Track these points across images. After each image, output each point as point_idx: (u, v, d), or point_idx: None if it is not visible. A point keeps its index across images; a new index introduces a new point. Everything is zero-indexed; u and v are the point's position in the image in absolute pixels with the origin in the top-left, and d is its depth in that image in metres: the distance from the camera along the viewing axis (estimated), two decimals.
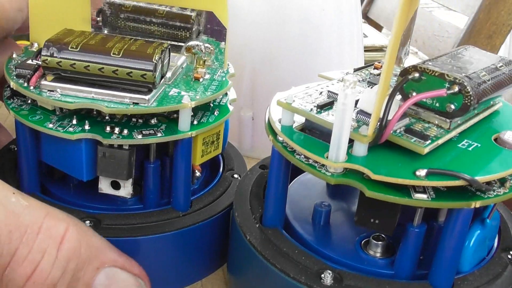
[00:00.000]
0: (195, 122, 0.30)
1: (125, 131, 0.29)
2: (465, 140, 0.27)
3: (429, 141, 0.25)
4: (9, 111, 0.30)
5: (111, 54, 0.28)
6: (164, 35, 0.35)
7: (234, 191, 0.34)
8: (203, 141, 0.31)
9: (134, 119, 0.30)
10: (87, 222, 0.30)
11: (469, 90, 0.25)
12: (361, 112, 0.26)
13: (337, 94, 0.28)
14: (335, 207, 0.32)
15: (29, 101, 0.30)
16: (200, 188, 0.34)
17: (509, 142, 0.26)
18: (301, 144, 0.26)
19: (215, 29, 0.35)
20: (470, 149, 0.26)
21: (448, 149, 0.26)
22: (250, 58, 0.46)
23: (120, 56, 0.28)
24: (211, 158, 0.34)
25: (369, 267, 0.28)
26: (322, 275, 0.26)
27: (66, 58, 0.28)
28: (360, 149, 0.25)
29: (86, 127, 0.28)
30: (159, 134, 0.29)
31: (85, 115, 0.29)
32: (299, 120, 0.28)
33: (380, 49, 0.72)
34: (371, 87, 0.31)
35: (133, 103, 0.28)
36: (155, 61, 0.28)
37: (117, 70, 0.28)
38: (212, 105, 0.33)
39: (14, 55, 0.32)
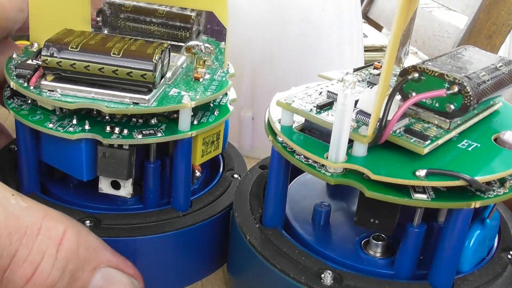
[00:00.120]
0: (195, 122, 0.30)
1: (125, 131, 0.29)
2: (465, 140, 0.27)
3: (429, 141, 0.25)
4: (9, 111, 0.30)
5: (111, 54, 0.28)
6: (164, 35, 0.35)
7: (234, 191, 0.34)
8: (203, 141, 0.31)
9: (134, 119, 0.30)
10: (87, 222, 0.30)
11: (469, 90, 0.25)
12: (361, 112, 0.26)
13: (336, 94, 0.27)
14: (335, 207, 0.32)
15: (29, 101, 0.30)
16: (200, 188, 0.34)
17: (509, 142, 0.26)
18: (301, 145, 0.26)
19: (215, 29, 0.35)
20: (470, 149, 0.26)
21: (448, 149, 0.26)
22: (250, 58, 0.45)
23: (120, 56, 0.28)
24: (211, 158, 0.34)
25: (369, 267, 0.28)
26: (322, 275, 0.26)
27: (66, 58, 0.28)
28: (360, 150, 0.25)
29: (86, 127, 0.28)
30: (159, 134, 0.29)
31: (85, 115, 0.29)
32: (299, 120, 0.28)
33: (380, 49, 0.71)
34: (371, 87, 0.31)
35: (133, 103, 0.28)
36: (155, 61, 0.28)
37: (117, 70, 0.28)
38: (212, 105, 0.33)
39: (14, 55, 0.32)
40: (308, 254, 0.28)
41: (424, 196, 0.24)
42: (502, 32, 0.53)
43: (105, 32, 0.36)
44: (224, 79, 0.33)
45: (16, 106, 0.30)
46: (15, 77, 0.29)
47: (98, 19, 0.35)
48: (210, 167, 0.37)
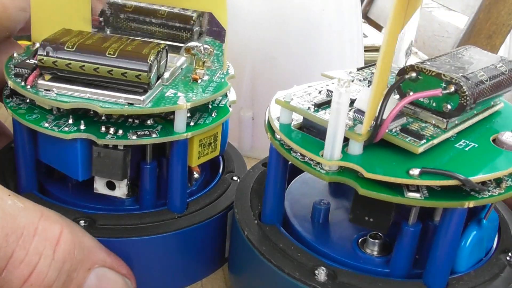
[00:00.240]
0: (192, 124, 0.30)
1: (120, 132, 0.28)
2: (463, 140, 0.27)
3: (424, 140, 0.25)
4: (7, 109, 0.30)
5: (107, 54, 0.28)
6: (165, 36, 0.35)
7: (232, 193, 0.34)
8: (200, 143, 0.31)
9: (130, 120, 0.30)
10: (82, 222, 0.30)
11: (465, 90, 0.25)
12: (358, 111, 0.26)
13: None
14: (335, 206, 0.32)
15: (27, 100, 0.30)
16: (199, 190, 0.34)
17: (507, 143, 0.26)
18: (297, 142, 0.26)
19: (214, 30, 0.34)
20: (466, 149, 0.26)
21: (444, 149, 0.26)
22: (250, 58, 0.45)
23: (115, 56, 0.28)
24: (210, 159, 0.34)
25: (365, 265, 0.28)
26: (316, 272, 0.26)
27: (61, 58, 0.28)
28: (355, 148, 0.25)
29: (82, 127, 0.28)
30: (154, 135, 0.29)
31: (82, 115, 0.29)
32: (298, 118, 0.28)
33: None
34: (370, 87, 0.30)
35: (128, 103, 0.28)
36: (150, 62, 0.28)
37: (112, 70, 0.28)
38: (210, 106, 0.32)
39: (15, 54, 0.32)
40: (304, 250, 0.28)
41: (417, 195, 0.24)
42: (502, 32, 0.52)
43: (108, 32, 0.36)
44: (223, 80, 0.32)
45: (14, 105, 0.30)
46: (13, 76, 0.30)
47: (100, 19, 0.35)
48: (210, 168, 0.37)
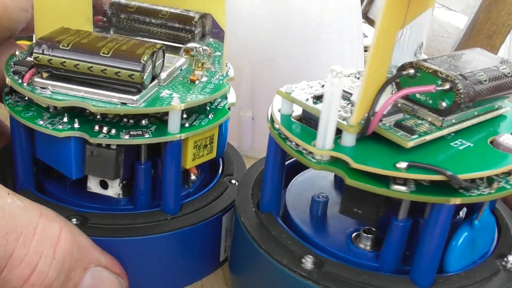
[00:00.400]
0: (187, 125, 0.30)
1: (113, 131, 0.28)
2: (459, 140, 0.27)
3: (416, 135, 0.25)
4: (5, 106, 0.30)
5: (101, 54, 0.28)
6: (167, 37, 0.35)
7: (229, 197, 0.34)
8: (195, 144, 0.31)
9: (125, 119, 0.30)
10: (74, 220, 0.30)
11: (460, 87, 0.25)
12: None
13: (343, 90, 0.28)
14: (336, 201, 0.32)
15: (26, 98, 0.31)
16: (196, 192, 0.34)
17: (503, 145, 0.26)
18: (293, 132, 0.27)
19: (214, 31, 0.34)
20: (461, 148, 0.26)
21: (439, 147, 0.26)
22: (250, 58, 0.45)
23: (109, 55, 0.28)
24: (208, 161, 0.33)
25: (355, 258, 0.28)
26: (303, 260, 0.27)
27: (56, 56, 0.28)
28: (348, 139, 0.26)
29: (76, 125, 0.28)
30: (146, 136, 0.29)
31: (77, 113, 0.29)
32: (299, 110, 0.29)
33: None
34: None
35: (121, 103, 0.28)
36: (143, 62, 0.28)
37: (105, 69, 0.28)
38: (208, 108, 0.32)
39: (17, 52, 0.32)
40: (295, 239, 0.28)
41: (403, 188, 0.24)
42: (502, 32, 0.51)
43: (111, 32, 0.36)
44: (221, 82, 0.32)
45: (12, 102, 0.30)
46: (11, 74, 0.30)
47: (104, 19, 0.36)
48: (210, 170, 0.37)
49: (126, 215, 0.31)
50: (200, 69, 0.32)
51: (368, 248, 0.28)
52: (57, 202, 0.31)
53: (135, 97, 0.28)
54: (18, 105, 0.30)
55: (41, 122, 0.29)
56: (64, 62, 0.28)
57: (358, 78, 0.32)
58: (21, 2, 0.32)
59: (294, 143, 0.27)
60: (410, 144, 0.25)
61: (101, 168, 0.29)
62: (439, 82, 0.26)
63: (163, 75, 0.31)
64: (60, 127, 0.28)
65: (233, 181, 0.35)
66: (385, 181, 0.24)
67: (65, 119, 0.29)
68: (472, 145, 0.26)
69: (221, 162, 0.37)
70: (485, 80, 0.26)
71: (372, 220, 0.26)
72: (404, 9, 0.26)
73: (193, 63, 0.33)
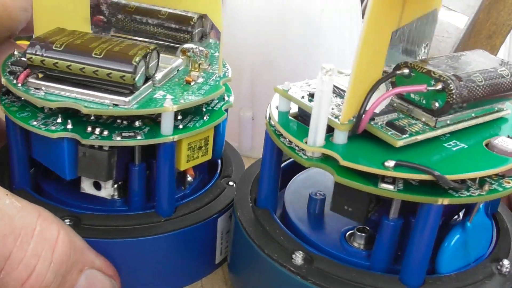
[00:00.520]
0: (181, 126, 0.30)
1: (105, 132, 0.28)
2: (454, 141, 0.27)
3: (406, 135, 0.25)
4: (1, 106, 0.30)
5: (93, 55, 0.28)
6: (166, 37, 0.35)
7: (225, 199, 0.33)
8: (189, 146, 0.30)
9: (119, 121, 0.30)
10: (67, 220, 0.30)
11: (452, 88, 0.25)
12: None
13: (336, 87, 0.29)
14: None
15: (22, 98, 0.31)
16: (192, 193, 0.34)
17: (498, 147, 0.26)
18: (286, 128, 0.27)
19: (214, 32, 0.34)
20: (454, 149, 0.26)
21: (431, 147, 0.26)
22: (250, 58, 0.45)
23: (101, 56, 0.28)
24: (207, 162, 0.33)
25: (347, 256, 0.28)
26: (294, 255, 0.27)
27: (49, 57, 0.28)
28: (339, 137, 0.26)
29: (69, 126, 0.28)
30: (138, 137, 0.29)
31: (72, 114, 0.29)
32: (296, 108, 0.29)
33: None
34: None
35: (113, 104, 0.28)
36: (135, 63, 0.28)
37: (97, 70, 0.28)
38: (204, 109, 0.32)
39: (15, 52, 0.32)
40: (287, 235, 0.28)
41: (390, 187, 0.24)
42: (502, 32, 0.50)
43: (112, 32, 0.36)
44: (217, 83, 0.32)
45: (8, 102, 0.30)
46: (7, 74, 0.30)
47: (104, 19, 0.36)
48: (208, 172, 0.36)
49: (119, 216, 0.31)
50: (196, 70, 0.32)
51: (361, 246, 0.28)
52: (52, 202, 0.31)
53: (127, 99, 0.28)
54: (14, 105, 0.30)
55: (34, 123, 0.29)
56: (57, 63, 0.28)
57: None
58: (21, 2, 0.32)
59: (287, 140, 0.27)
60: (400, 143, 0.25)
61: (94, 169, 0.29)
62: (432, 82, 0.26)
63: (158, 76, 0.31)
64: (53, 128, 0.28)
65: (231, 183, 0.35)
66: (374, 179, 0.24)
67: (59, 120, 0.29)
68: (466, 146, 0.26)
69: (220, 164, 0.36)
70: (481, 82, 0.26)
71: (362, 218, 0.27)
72: (397, 8, 0.26)
73: (190, 64, 0.32)
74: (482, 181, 0.25)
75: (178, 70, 0.33)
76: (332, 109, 0.27)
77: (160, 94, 0.30)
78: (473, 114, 0.28)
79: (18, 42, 0.37)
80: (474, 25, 0.50)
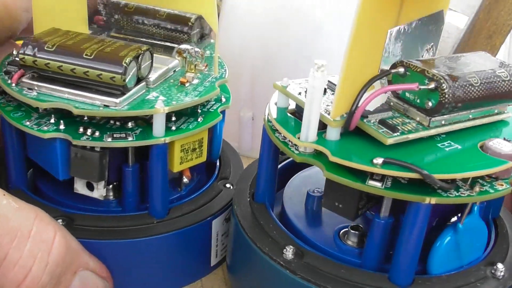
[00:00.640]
0: (174, 128, 0.29)
1: (97, 133, 0.28)
2: (448, 141, 0.26)
3: (397, 133, 0.25)
4: None
5: (84, 56, 0.28)
6: (164, 37, 0.35)
7: (221, 201, 0.33)
8: (182, 148, 0.30)
9: (112, 121, 0.30)
10: (60, 220, 0.30)
11: (445, 87, 0.25)
12: None
13: (335, 84, 0.28)
14: None
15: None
16: (189, 195, 0.34)
17: (491, 149, 0.25)
18: (281, 123, 0.27)
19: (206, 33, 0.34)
20: (447, 149, 0.26)
21: (424, 147, 0.26)
22: (249, 58, 0.45)
23: (91, 57, 0.28)
24: (205, 164, 0.33)
25: (339, 253, 0.28)
26: (285, 250, 0.27)
27: (41, 57, 0.28)
28: (332, 134, 0.26)
29: (61, 126, 0.28)
30: (129, 138, 0.28)
31: (65, 114, 0.29)
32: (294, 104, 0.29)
33: None
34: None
35: (104, 105, 0.28)
36: (125, 64, 0.27)
37: (88, 71, 0.28)
38: (199, 111, 0.32)
39: (14, 52, 0.33)
40: (280, 229, 0.29)
41: (378, 184, 0.24)
42: (502, 32, 0.49)
43: (112, 32, 0.36)
44: (212, 84, 0.32)
45: (4, 102, 0.30)
46: (2, 74, 0.30)
47: (104, 19, 0.35)
48: (207, 173, 0.36)
49: (112, 217, 0.30)
50: (192, 71, 0.32)
51: (355, 244, 0.29)
52: (46, 202, 0.31)
53: (117, 100, 0.28)
54: (9, 105, 0.30)
55: (27, 123, 0.29)
56: (48, 63, 0.28)
57: None
58: (22, 2, 0.33)
59: (282, 135, 0.27)
60: (390, 141, 0.25)
61: (85, 170, 0.29)
62: (426, 81, 0.25)
63: (153, 77, 0.30)
64: (46, 128, 0.28)
65: (228, 185, 0.34)
66: (363, 176, 0.24)
67: (52, 120, 0.29)
68: (460, 147, 0.26)
69: (218, 166, 0.36)
70: (476, 83, 0.26)
71: (352, 215, 0.27)
72: (394, 6, 0.26)
73: (186, 65, 0.32)
74: (473, 182, 0.25)
75: (174, 71, 0.33)
76: (327, 105, 0.27)
77: (153, 96, 0.29)
78: (470, 116, 0.27)
79: (18, 43, 0.37)
80: (474, 25, 0.49)
